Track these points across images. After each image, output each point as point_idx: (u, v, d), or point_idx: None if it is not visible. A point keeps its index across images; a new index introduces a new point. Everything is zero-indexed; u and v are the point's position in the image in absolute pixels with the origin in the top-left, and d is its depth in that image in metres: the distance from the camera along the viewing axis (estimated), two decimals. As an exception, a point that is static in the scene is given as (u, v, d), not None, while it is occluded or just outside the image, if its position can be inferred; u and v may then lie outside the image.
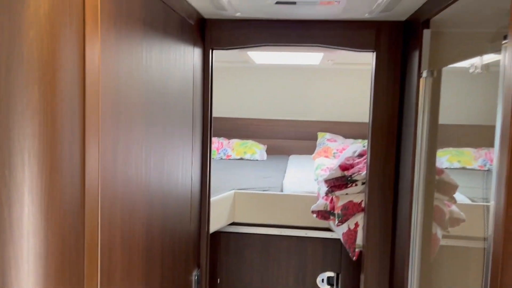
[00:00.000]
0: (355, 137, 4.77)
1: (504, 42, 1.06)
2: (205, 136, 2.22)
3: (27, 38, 0.78)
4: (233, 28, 2.13)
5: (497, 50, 1.84)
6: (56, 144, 0.84)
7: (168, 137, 1.62)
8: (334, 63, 3.91)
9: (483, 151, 2.65)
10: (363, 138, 4.70)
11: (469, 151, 2.62)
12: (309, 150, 4.80)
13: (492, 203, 1.08)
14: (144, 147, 1.36)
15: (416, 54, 1.83)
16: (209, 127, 2.22)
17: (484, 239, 2.27)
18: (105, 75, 1.03)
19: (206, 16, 2.10)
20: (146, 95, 1.35)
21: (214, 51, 2.22)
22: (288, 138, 4.88)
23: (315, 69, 4.50)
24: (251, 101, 4.82)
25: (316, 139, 4.79)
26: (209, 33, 2.15)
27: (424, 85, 1.77)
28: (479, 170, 2.60)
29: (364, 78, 4.61)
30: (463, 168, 2.60)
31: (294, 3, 1.59)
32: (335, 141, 4.57)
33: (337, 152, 4.39)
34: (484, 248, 2.26)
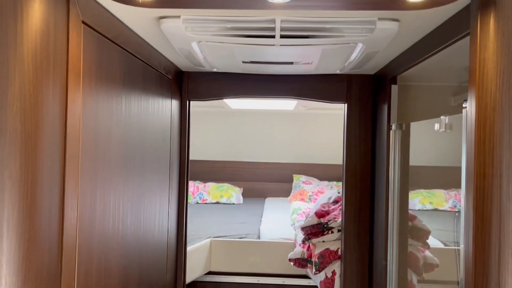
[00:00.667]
0: (329, 179, 4.84)
1: (464, 106, 1.14)
2: (182, 182, 2.22)
3: (11, 111, 0.79)
4: (209, 80, 2.19)
5: (459, 102, 1.95)
6: (35, 213, 0.84)
7: (146, 185, 1.63)
8: (307, 108, 4.02)
9: (453, 193, 2.73)
10: (337, 180, 4.78)
11: (440, 193, 2.70)
12: (285, 193, 4.83)
13: (461, 247, 1.11)
14: (122, 197, 1.36)
15: (385, 107, 1.92)
16: (186, 173, 2.23)
17: (458, 283, 2.31)
18: (85, 133, 1.05)
19: (183, 69, 2.16)
20: (125, 146, 1.37)
21: (191, 101, 2.27)
22: (264, 180, 4.91)
23: (290, 113, 4.62)
24: (227, 144, 4.87)
25: (291, 181, 4.83)
26: (186, 85, 2.20)
27: (393, 136, 1.85)
28: (450, 211, 2.67)
29: (336, 121, 4.75)
30: (435, 210, 2.67)
31: (262, 62, 1.66)
32: (310, 183, 4.62)
33: (313, 194, 4.44)
34: None
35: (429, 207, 2.59)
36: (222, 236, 2.93)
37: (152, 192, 1.70)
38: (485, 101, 0.96)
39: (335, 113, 4.43)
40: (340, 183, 4.64)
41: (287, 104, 3.64)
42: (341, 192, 2.67)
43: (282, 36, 1.28)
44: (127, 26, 1.35)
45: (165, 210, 1.93)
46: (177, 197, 2.17)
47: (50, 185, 0.90)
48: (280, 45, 1.35)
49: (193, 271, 2.69)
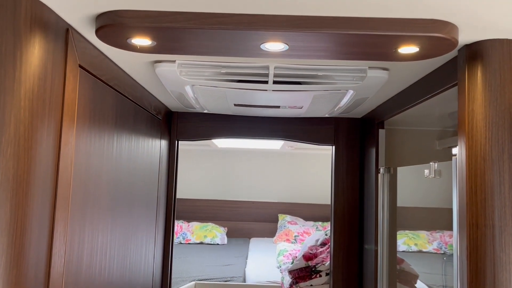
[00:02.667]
0: (315, 219, 4.81)
1: (453, 153, 1.17)
2: (168, 222, 2.18)
3: (4, 157, 0.77)
4: (198, 121, 2.20)
5: (443, 146, 2.00)
6: (22, 262, 0.81)
7: (133, 227, 1.59)
8: (294, 148, 4.05)
9: (437, 234, 2.74)
10: (323, 220, 4.76)
11: (423, 234, 2.70)
12: (270, 233, 4.77)
13: None
14: (109, 241, 1.32)
15: (373, 151, 1.95)
16: (172, 212, 2.20)
17: None
18: (76, 175, 1.03)
19: (173, 110, 2.17)
20: (114, 187, 1.34)
21: (180, 141, 2.27)
22: (249, 220, 4.85)
23: (276, 153, 4.64)
24: (212, 182, 4.83)
25: (276, 221, 4.79)
26: (175, 125, 2.20)
27: (382, 179, 1.86)
28: (435, 253, 2.67)
29: (322, 161, 4.82)
30: (420, 251, 2.66)
31: (253, 106, 1.69)
32: (295, 223, 4.58)
33: (298, 235, 4.39)
34: None
35: (414, 248, 2.59)
36: (207, 279, 2.85)
37: (139, 233, 1.66)
38: (475, 151, 0.99)
39: (321, 153, 4.48)
40: (326, 224, 4.62)
41: (274, 144, 3.67)
42: (328, 234, 2.65)
43: (275, 82, 1.30)
44: (121, 69, 1.36)
45: (150, 251, 1.87)
46: (163, 237, 2.12)
47: (39, 232, 0.87)
48: (273, 90, 1.37)
49: (176, 317, 2.59)
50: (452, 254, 2.48)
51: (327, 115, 1.97)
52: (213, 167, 4.78)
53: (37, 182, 0.86)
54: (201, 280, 2.83)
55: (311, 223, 4.68)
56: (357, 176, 2.19)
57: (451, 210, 2.34)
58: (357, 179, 2.19)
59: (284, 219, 4.69)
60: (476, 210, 0.96)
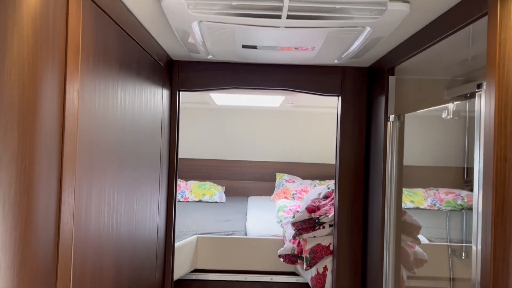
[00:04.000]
0: (312, 178, 4.82)
1: (477, 90, 1.12)
2: (171, 177, 2.14)
3: (9, 80, 0.71)
4: (200, 70, 2.12)
5: (452, 96, 1.95)
6: (32, 194, 0.76)
7: (138, 180, 1.54)
8: (293, 105, 3.99)
9: (431, 191, 2.75)
10: (320, 179, 4.77)
11: (420, 191, 2.72)
12: (268, 191, 4.79)
13: (477, 247, 1.07)
14: (116, 193, 1.27)
15: (382, 99, 1.90)
16: (175, 168, 2.15)
17: (450, 279, 2.31)
18: (83, 117, 0.97)
19: (174, 58, 2.08)
20: (119, 137, 1.29)
21: (181, 92, 2.19)
22: (247, 179, 4.84)
23: (275, 111, 4.58)
24: (210, 142, 4.78)
25: (274, 180, 4.79)
26: (176, 75, 2.12)
27: (391, 128, 1.82)
28: (429, 209, 2.69)
29: (322, 120, 4.77)
30: (417, 208, 2.68)
31: (255, 47, 1.61)
32: (293, 182, 4.59)
33: (296, 193, 4.41)
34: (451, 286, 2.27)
35: (410, 205, 2.61)
36: (208, 233, 2.85)
37: (144, 187, 1.62)
38: (506, 82, 0.94)
39: (320, 112, 4.43)
40: (323, 182, 4.63)
41: (273, 101, 3.60)
42: (331, 188, 2.64)
43: (288, 17, 1.22)
44: (124, 4, 1.27)
45: (155, 206, 1.85)
46: (166, 192, 2.09)
47: (48, 166, 0.81)
48: (285, 27, 1.29)
49: (179, 269, 2.60)
50: (452, 210, 2.49)
51: (335, 61, 1.90)
52: (211, 126, 4.72)
53: (44, 111, 0.80)
54: (202, 234, 2.84)
55: (309, 181, 4.68)
56: (363, 126, 2.15)
57: (456, 168, 2.32)
58: (364, 129, 2.15)
59: (281, 178, 4.69)
60: (505, 142, 0.93)
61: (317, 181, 4.67)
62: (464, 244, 2.34)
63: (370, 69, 2.10)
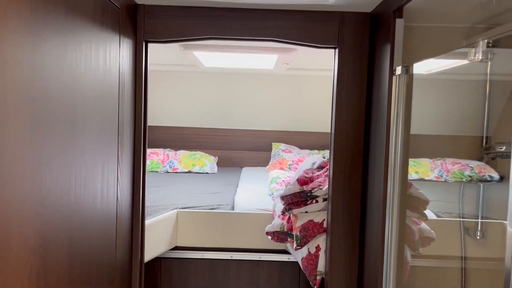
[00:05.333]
0: (310, 147, 4.52)
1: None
2: (138, 146, 1.83)
3: None
4: (172, 16, 1.78)
5: (471, 45, 1.59)
6: None
7: (78, 147, 1.24)
8: (289, 68, 3.63)
9: (438, 162, 2.47)
10: (319, 149, 4.47)
11: (425, 162, 2.43)
12: (263, 162, 4.50)
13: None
14: (36, 159, 0.98)
15: (387, 48, 1.56)
16: (142, 136, 1.84)
17: (462, 258, 2.04)
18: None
19: (139, 1, 1.74)
20: (45, 95, 0.99)
21: (149, 44, 1.86)
22: (241, 149, 4.55)
23: (269, 75, 4.22)
24: (201, 109, 4.45)
25: (270, 150, 4.49)
26: (142, 22, 1.78)
27: (397, 83, 1.50)
28: (436, 181, 2.45)
29: (321, 85, 4.40)
30: (421, 180, 2.40)
31: None
32: (290, 152, 4.29)
33: (293, 163, 4.12)
34: (462, 268, 2.02)
35: (415, 176, 2.35)
36: (190, 207, 2.57)
37: (88, 156, 1.32)
38: None
39: (319, 75, 4.07)
40: (322, 152, 4.33)
41: (266, 62, 3.25)
42: (326, 157, 2.34)
43: None
44: None
45: (112, 177, 1.55)
46: (131, 164, 1.78)
47: None
48: None
49: (156, 247, 2.34)
50: (465, 182, 2.18)
51: (331, 1, 1.55)
52: (202, 91, 4.37)
53: None
54: (184, 208, 2.56)
55: (307, 151, 4.38)
56: (364, 84, 1.82)
57: (471, 137, 2.00)
58: (365, 88, 1.82)
59: (278, 148, 4.39)
60: None
61: (316, 151, 4.37)
62: (480, 220, 2.09)
63: (373, 15, 1.75)
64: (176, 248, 2.51)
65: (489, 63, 1.59)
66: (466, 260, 1.94)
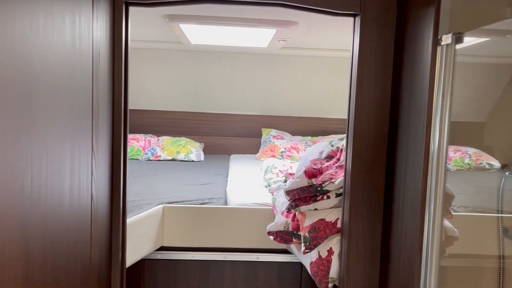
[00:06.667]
0: (303, 134, 4.24)
1: None
2: (117, 132, 1.51)
3: None
4: None
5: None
6: None
7: (37, 135, 0.92)
8: (283, 46, 3.31)
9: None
10: (312, 135, 4.19)
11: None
12: (253, 149, 4.20)
13: None
14: None
15: (428, 12, 1.26)
16: (122, 119, 1.52)
17: (500, 257, 1.82)
18: None
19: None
20: None
21: (130, 8, 1.53)
22: (229, 135, 4.23)
23: (261, 55, 3.88)
24: (186, 91, 4.09)
25: (260, 136, 4.19)
26: None
27: (444, 55, 1.21)
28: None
29: (317, 66, 4.08)
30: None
31: None
32: (282, 138, 3.99)
33: (285, 151, 3.83)
34: (501, 268, 1.79)
35: None
36: (178, 202, 2.26)
37: (52, 147, 1.01)
38: None
39: (316, 55, 3.76)
40: (316, 139, 4.05)
41: (260, 38, 2.92)
42: (335, 145, 2.05)
43: None
44: None
45: (84, 168, 1.23)
46: (108, 154, 1.46)
47: None
48: None
49: (140, 248, 2.03)
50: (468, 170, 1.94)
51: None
52: (188, 72, 4.00)
53: None
54: (171, 202, 2.24)
55: (299, 137, 4.10)
56: (390, 59, 1.53)
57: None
58: (391, 63, 1.53)
59: (268, 134, 4.09)
60: None
61: (309, 138, 4.09)
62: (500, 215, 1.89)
63: None
64: (162, 248, 2.20)
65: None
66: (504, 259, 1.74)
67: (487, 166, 3.71)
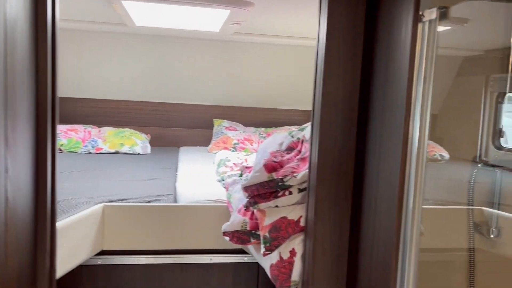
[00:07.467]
0: (256, 125, 4.08)
1: None
2: (42, 123, 1.25)
3: None
4: None
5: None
6: None
7: None
8: (237, 31, 3.11)
9: None
10: (265, 126, 4.05)
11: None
12: (204, 141, 3.98)
13: None
14: None
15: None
16: (50, 108, 1.26)
17: (469, 250, 1.76)
18: None
19: None
20: None
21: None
22: (177, 126, 3.98)
23: (213, 40, 3.66)
24: (130, 78, 3.78)
25: (211, 127, 3.98)
26: None
27: (426, 33, 1.08)
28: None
29: (272, 54, 3.91)
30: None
31: None
32: (235, 129, 3.81)
33: (239, 143, 3.65)
34: (470, 260, 1.72)
35: None
36: (121, 200, 2.01)
37: None
38: None
39: (271, 43, 3.59)
40: (269, 130, 3.91)
41: (214, 21, 2.70)
42: (295, 136, 1.90)
43: None
44: None
45: None
46: (31, 147, 1.21)
47: None
48: None
49: (76, 253, 1.77)
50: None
51: None
52: (132, 58, 3.69)
53: None
54: (112, 201, 1.99)
55: (253, 129, 3.94)
56: (360, 40, 1.38)
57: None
58: (361, 45, 1.39)
59: (221, 125, 3.89)
60: None
61: (262, 129, 3.94)
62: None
63: None
64: (102, 252, 1.95)
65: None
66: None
67: (439, 158, 3.76)
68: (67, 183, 2.21)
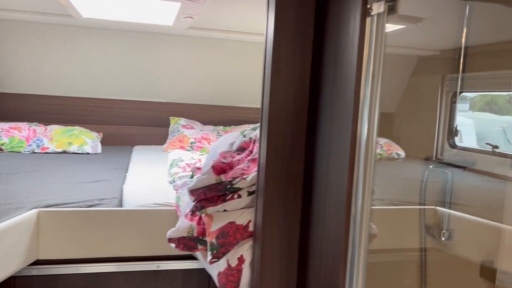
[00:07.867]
0: (214, 123, 3.98)
1: None
2: None
3: None
4: None
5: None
6: None
7: None
8: (192, 26, 2.99)
9: None
10: (224, 125, 3.95)
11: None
12: (159, 140, 3.84)
13: None
14: None
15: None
16: None
17: (421, 249, 1.73)
18: None
19: None
20: None
21: None
22: (131, 124, 3.81)
23: (167, 35, 3.52)
24: (79, 74, 3.57)
25: (167, 125, 3.84)
26: None
27: (375, 28, 1.01)
28: None
29: (230, 50, 3.80)
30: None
31: None
32: (192, 128, 3.69)
33: (196, 141, 3.53)
34: (422, 261, 1.69)
35: None
36: (59, 205, 1.86)
37: None
38: None
39: (227, 39, 3.49)
40: (228, 128, 3.82)
41: (166, 14, 2.58)
42: (247, 136, 1.81)
43: None
44: None
45: None
46: None
47: None
48: None
49: (7, 263, 1.61)
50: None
51: None
52: (79, 52, 3.49)
53: None
54: (49, 206, 1.83)
55: (211, 127, 3.83)
56: (310, 35, 1.31)
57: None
58: (310, 42, 1.32)
59: (177, 123, 3.75)
60: None
61: (221, 127, 3.84)
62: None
63: None
64: (37, 262, 1.79)
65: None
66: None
67: (396, 156, 3.79)
68: (1, 185, 2.03)
